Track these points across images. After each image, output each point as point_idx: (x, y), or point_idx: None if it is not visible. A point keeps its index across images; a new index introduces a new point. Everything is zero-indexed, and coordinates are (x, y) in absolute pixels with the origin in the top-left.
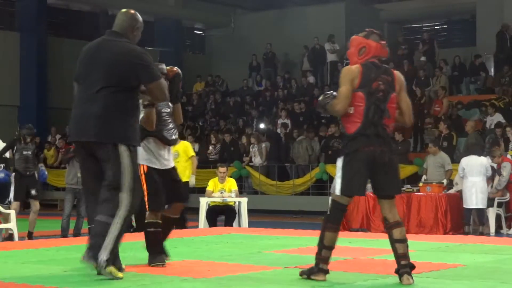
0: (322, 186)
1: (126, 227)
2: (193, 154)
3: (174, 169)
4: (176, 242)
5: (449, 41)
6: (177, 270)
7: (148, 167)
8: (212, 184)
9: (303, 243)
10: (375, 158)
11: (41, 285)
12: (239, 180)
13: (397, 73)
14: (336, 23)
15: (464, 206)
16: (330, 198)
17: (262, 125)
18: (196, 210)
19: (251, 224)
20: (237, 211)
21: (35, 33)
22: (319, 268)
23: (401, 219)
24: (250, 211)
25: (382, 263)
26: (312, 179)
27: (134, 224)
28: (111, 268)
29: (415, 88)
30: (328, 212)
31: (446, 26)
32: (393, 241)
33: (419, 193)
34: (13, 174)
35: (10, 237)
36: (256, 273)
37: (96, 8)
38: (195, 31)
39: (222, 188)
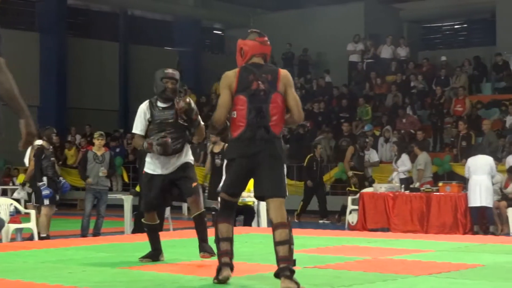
0: (341, 186)
1: None
2: None
3: (183, 167)
4: (195, 241)
5: (468, 40)
6: (196, 270)
7: (152, 175)
8: None
9: (321, 243)
10: (256, 160)
11: (60, 285)
12: None
13: (282, 71)
14: (356, 23)
15: (469, 205)
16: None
17: None
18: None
19: (270, 224)
20: (256, 211)
21: (55, 34)
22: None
23: (288, 220)
24: None
25: (401, 263)
26: (331, 179)
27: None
28: None
29: (435, 87)
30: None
31: (466, 25)
32: (275, 244)
33: (438, 193)
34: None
35: (30, 237)
36: None
37: (115, 8)
38: (214, 31)
39: None
